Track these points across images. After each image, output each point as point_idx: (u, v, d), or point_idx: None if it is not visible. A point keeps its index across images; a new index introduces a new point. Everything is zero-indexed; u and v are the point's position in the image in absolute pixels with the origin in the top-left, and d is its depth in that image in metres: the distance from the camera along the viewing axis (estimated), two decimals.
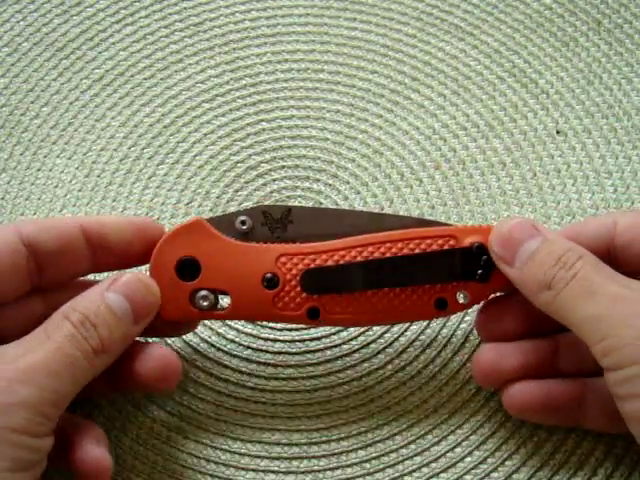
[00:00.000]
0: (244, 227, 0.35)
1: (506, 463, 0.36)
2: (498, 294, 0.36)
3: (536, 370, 0.34)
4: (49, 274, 0.33)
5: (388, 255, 0.35)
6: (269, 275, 0.34)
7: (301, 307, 0.34)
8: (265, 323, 0.39)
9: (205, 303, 0.34)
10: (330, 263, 0.34)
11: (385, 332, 0.39)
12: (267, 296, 0.34)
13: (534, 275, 0.32)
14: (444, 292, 0.35)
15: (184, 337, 0.38)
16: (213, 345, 0.38)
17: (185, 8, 0.47)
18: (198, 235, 0.34)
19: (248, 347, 0.38)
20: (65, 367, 0.30)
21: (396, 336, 0.39)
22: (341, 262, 0.34)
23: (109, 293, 0.32)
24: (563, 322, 0.31)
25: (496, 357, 0.34)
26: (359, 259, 0.34)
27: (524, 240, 0.33)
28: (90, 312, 0.31)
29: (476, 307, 0.36)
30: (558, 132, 0.44)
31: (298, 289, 0.34)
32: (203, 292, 0.34)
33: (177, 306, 0.34)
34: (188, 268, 0.34)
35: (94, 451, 0.32)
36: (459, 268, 0.34)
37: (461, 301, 0.35)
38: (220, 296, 0.35)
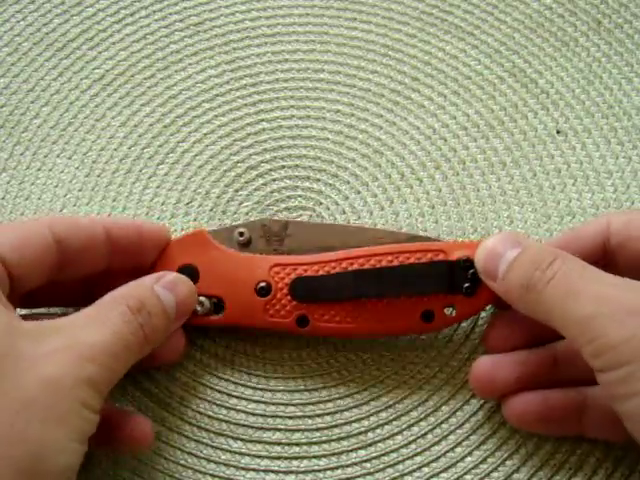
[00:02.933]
0: (241, 238, 0.37)
1: (506, 463, 0.36)
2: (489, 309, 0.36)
3: (534, 380, 0.34)
4: (69, 270, 0.34)
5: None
6: (262, 284, 0.36)
7: (291, 315, 0.35)
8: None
9: (199, 308, 0.36)
10: (321, 273, 0.35)
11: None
12: (259, 303, 0.35)
13: (514, 281, 0.32)
14: (431, 305, 0.35)
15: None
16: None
17: (185, 8, 0.47)
18: (199, 244, 0.37)
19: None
20: (121, 350, 0.31)
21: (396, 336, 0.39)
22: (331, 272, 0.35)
23: (158, 287, 0.33)
24: (550, 324, 0.31)
25: (492, 369, 0.34)
26: (349, 270, 0.35)
27: (505, 252, 0.33)
28: (146, 300, 0.32)
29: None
30: (558, 132, 0.44)
31: (289, 297, 0.35)
32: (200, 298, 0.36)
33: None
34: (187, 275, 0.35)
35: (135, 419, 0.34)
36: (446, 280, 0.35)
37: (448, 314, 0.35)
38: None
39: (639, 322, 0.28)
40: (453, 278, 0.35)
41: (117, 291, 0.33)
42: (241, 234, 0.37)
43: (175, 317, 0.34)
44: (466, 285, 0.35)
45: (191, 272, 0.36)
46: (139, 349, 0.32)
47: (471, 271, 0.35)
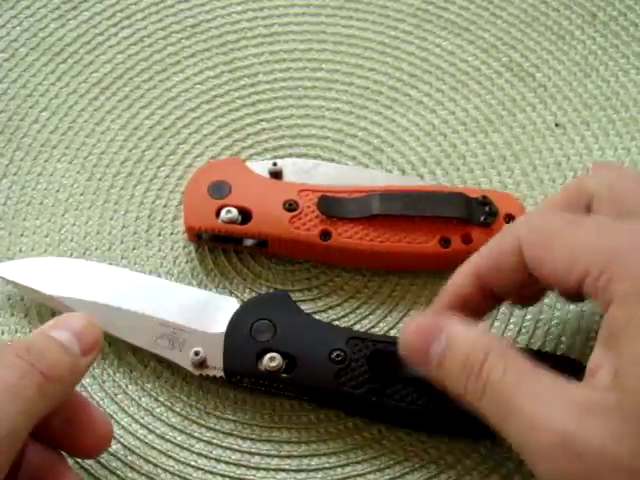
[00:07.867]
0: (274, 167, 0.40)
1: (512, 456, 0.36)
2: None
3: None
4: None
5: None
6: (290, 201, 0.38)
7: (316, 228, 0.38)
8: None
9: (228, 215, 0.38)
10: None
11: (390, 330, 0.39)
12: (286, 216, 0.38)
13: (448, 383, 0.30)
14: (449, 233, 0.38)
15: None
16: None
17: (181, 10, 0.47)
18: (233, 167, 0.40)
19: None
20: (9, 398, 0.28)
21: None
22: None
23: (52, 330, 0.32)
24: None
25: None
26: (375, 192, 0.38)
27: (430, 342, 0.30)
28: (36, 342, 0.31)
29: None
30: (557, 125, 0.44)
31: (315, 213, 0.38)
32: (228, 207, 0.38)
33: (203, 217, 0.38)
34: (219, 190, 0.39)
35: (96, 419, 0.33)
36: (464, 208, 0.38)
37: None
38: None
39: (565, 454, 0.26)
40: (470, 209, 0.38)
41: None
42: (274, 164, 0.40)
43: (82, 350, 0.31)
44: (483, 218, 0.38)
45: (223, 187, 0.39)
46: (39, 390, 0.29)
47: (487, 207, 0.38)
